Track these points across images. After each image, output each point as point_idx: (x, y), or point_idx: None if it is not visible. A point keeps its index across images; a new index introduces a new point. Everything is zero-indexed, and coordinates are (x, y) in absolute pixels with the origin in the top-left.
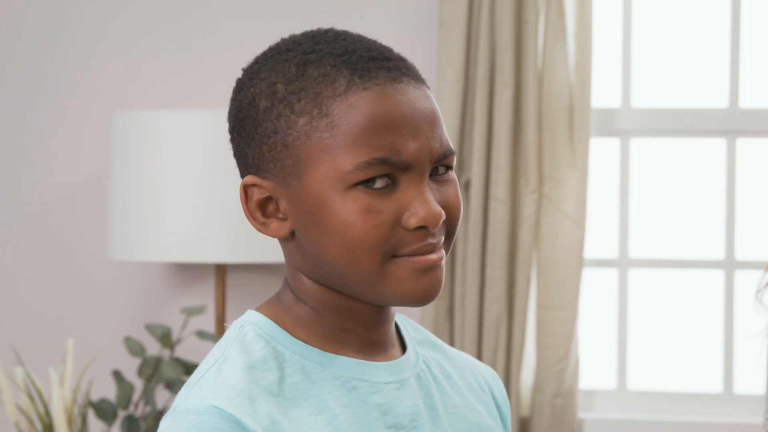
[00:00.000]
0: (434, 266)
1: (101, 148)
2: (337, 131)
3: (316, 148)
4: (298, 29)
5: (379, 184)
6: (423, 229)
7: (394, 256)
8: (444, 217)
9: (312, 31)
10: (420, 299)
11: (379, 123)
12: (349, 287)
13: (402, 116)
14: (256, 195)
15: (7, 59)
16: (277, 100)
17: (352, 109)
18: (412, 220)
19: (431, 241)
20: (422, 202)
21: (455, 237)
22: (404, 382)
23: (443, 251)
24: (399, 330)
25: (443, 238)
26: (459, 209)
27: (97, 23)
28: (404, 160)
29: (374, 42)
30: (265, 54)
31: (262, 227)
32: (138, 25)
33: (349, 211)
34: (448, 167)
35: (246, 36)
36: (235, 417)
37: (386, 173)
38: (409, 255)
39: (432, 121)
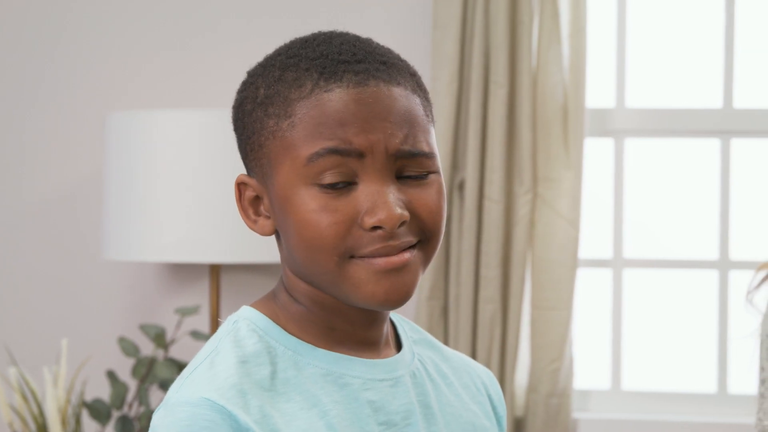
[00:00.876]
0: (397, 269)
1: (96, 148)
2: (296, 128)
3: (280, 146)
4: (298, 29)
5: (341, 183)
6: (380, 229)
7: (353, 257)
8: (406, 218)
9: (310, 34)
10: (382, 302)
11: (332, 117)
12: (320, 287)
13: (357, 112)
14: (248, 193)
15: (2, 60)
16: (257, 105)
17: (312, 109)
18: (367, 219)
19: (391, 242)
20: (381, 202)
21: (438, 240)
22: (398, 380)
23: (408, 254)
24: (396, 329)
25: (415, 241)
26: (437, 212)
27: (94, 23)
28: (356, 148)
29: (359, 43)
30: (264, 57)
31: (253, 225)
32: (134, 25)
33: (307, 209)
34: (429, 171)
35: (245, 36)
36: (227, 409)
37: (340, 164)
38: (368, 257)
39: (397, 120)
